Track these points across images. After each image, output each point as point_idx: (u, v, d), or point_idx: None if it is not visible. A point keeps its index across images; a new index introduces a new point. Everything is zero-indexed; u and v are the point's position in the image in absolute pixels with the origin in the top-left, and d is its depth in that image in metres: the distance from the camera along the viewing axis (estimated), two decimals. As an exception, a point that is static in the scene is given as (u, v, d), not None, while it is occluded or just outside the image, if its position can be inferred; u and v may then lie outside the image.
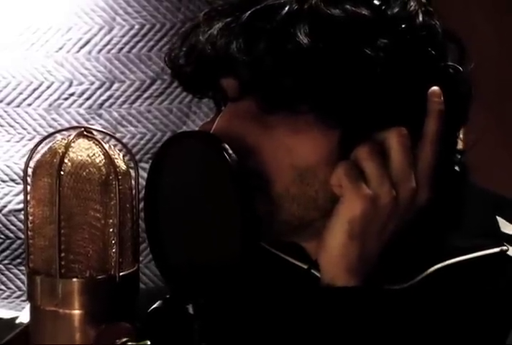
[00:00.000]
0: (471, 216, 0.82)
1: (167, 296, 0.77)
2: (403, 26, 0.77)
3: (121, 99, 1.95)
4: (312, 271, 0.83)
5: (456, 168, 0.84)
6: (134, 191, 0.71)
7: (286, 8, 0.75)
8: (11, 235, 1.92)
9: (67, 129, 0.73)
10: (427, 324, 0.77)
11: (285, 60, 0.74)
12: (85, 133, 0.70)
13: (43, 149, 0.71)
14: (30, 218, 0.70)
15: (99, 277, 0.68)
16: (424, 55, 0.78)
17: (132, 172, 0.72)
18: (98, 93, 1.94)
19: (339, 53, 0.74)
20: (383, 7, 0.77)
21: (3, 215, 1.91)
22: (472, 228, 0.81)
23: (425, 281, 0.78)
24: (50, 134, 0.73)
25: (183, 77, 0.83)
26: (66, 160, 0.68)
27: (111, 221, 0.69)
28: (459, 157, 0.84)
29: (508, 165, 1.89)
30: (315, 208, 0.79)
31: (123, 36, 1.93)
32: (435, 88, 0.78)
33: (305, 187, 0.78)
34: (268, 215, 0.79)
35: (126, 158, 0.72)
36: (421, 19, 0.78)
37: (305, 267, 0.84)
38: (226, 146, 0.74)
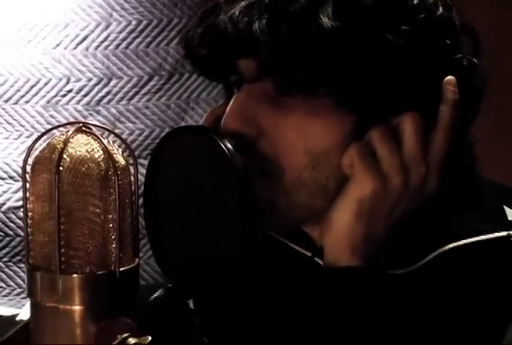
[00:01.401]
0: (478, 205, 0.83)
1: (168, 285, 0.77)
2: (423, 16, 0.77)
3: (119, 95, 1.94)
4: (316, 259, 0.83)
5: (466, 159, 0.84)
6: (133, 186, 0.71)
7: None
8: (10, 232, 1.92)
9: (65, 125, 0.72)
10: (431, 308, 0.77)
11: (307, 42, 0.74)
12: (83, 128, 0.70)
13: (42, 145, 0.71)
14: (29, 214, 0.70)
15: (99, 272, 0.68)
16: (441, 45, 0.78)
17: (131, 167, 0.71)
18: (96, 89, 1.94)
19: (361, 37, 0.75)
20: None
21: (2, 212, 1.91)
22: (479, 215, 0.81)
23: (430, 265, 0.78)
24: (48, 130, 0.73)
25: (198, 59, 0.83)
26: (65, 156, 0.68)
27: (110, 216, 0.68)
28: (469, 148, 0.84)
29: (504, 159, 1.89)
30: (323, 195, 0.78)
31: (120, 32, 1.93)
32: (450, 77, 0.78)
33: (316, 174, 0.78)
34: (274, 205, 0.79)
35: (125, 153, 0.71)
36: (440, 11, 0.79)
37: (310, 254, 0.84)
38: (225, 139, 0.74)
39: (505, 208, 0.82)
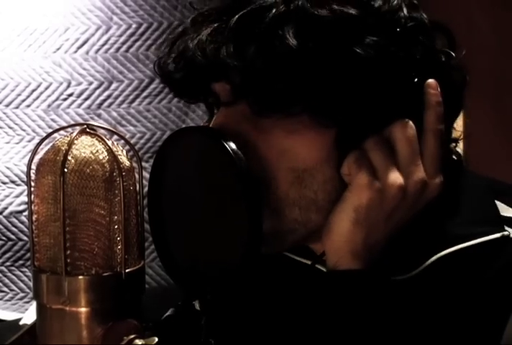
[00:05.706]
0: (470, 203, 0.83)
1: (179, 303, 0.78)
2: (389, 19, 0.77)
3: (120, 99, 1.95)
4: (316, 265, 0.83)
5: (453, 156, 0.84)
6: (138, 187, 0.71)
7: (273, 11, 0.75)
8: (12, 237, 1.92)
9: (68, 127, 0.72)
10: (430, 313, 0.77)
11: (276, 62, 0.74)
12: (87, 130, 0.69)
13: (45, 148, 0.71)
14: (34, 216, 0.70)
15: (105, 274, 0.68)
16: (414, 46, 0.78)
17: (136, 168, 0.71)
18: (97, 93, 1.94)
19: (329, 53, 0.74)
20: (368, 3, 0.77)
21: (5, 217, 1.91)
22: (472, 214, 0.81)
23: (427, 270, 0.78)
24: (52, 132, 0.73)
25: (174, 84, 0.82)
26: (69, 157, 0.68)
27: (115, 217, 0.68)
28: (454, 145, 0.84)
29: (507, 157, 1.89)
30: (316, 210, 0.79)
31: (120, 35, 1.93)
32: (431, 80, 0.78)
33: (303, 190, 0.78)
34: (274, 229, 0.78)
35: (130, 154, 0.71)
36: (405, 12, 0.78)
37: (309, 262, 0.84)
38: (231, 142, 0.74)
39: (497, 202, 0.82)
